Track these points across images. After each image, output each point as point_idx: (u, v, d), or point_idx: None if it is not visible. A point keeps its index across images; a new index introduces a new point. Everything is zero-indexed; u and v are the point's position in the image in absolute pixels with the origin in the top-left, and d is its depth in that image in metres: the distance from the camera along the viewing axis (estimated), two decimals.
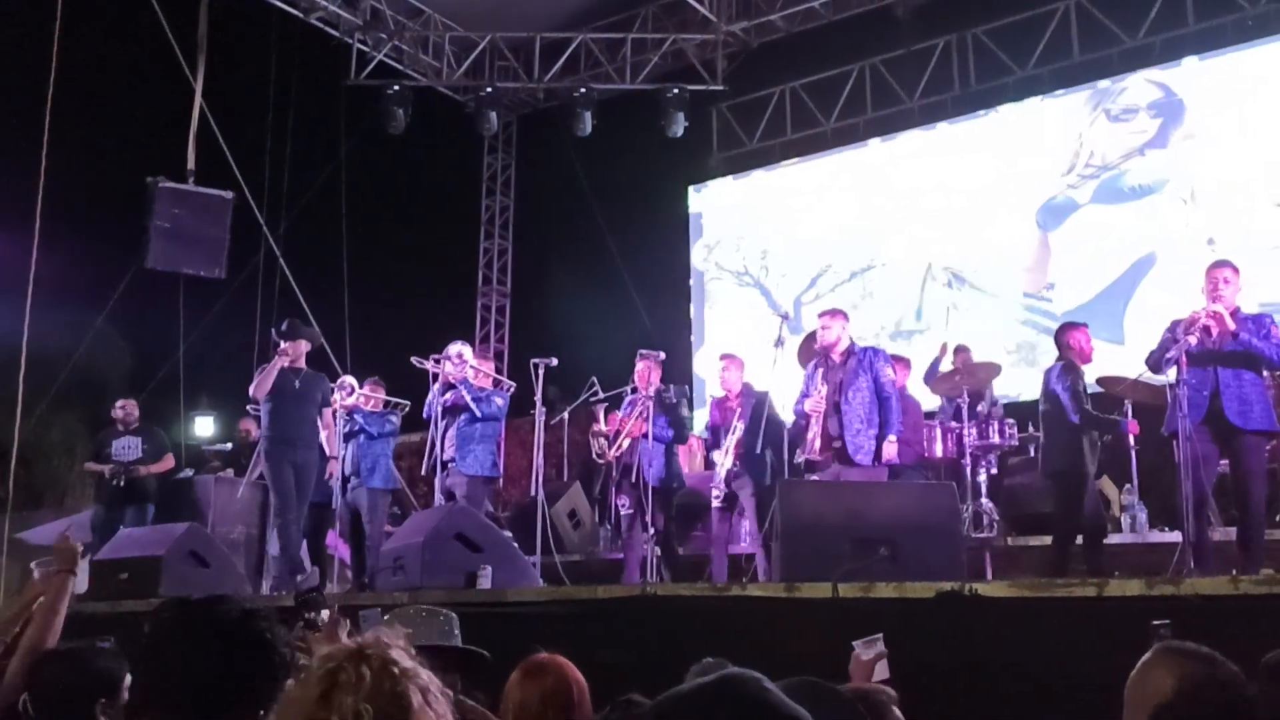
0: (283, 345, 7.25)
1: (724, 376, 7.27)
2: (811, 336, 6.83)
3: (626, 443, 7.24)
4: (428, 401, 7.27)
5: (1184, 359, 5.32)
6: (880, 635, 3.25)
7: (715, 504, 7.07)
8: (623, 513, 7.37)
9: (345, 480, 7.49)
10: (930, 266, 11.19)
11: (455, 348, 7.27)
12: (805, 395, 6.49)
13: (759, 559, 6.72)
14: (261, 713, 1.87)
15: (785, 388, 6.84)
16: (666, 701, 1.27)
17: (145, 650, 2.01)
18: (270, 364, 7.24)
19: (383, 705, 1.64)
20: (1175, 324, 5.49)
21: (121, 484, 8.41)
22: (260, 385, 7.15)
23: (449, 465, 7.09)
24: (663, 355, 7.33)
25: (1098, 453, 6.42)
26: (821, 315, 6.71)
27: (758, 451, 6.95)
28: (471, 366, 7.27)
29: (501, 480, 8.18)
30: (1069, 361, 6.44)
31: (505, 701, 2.86)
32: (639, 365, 7.21)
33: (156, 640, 2.00)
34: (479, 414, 7.03)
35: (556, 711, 2.77)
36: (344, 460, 7.54)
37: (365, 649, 1.70)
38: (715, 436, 7.22)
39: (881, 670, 3.20)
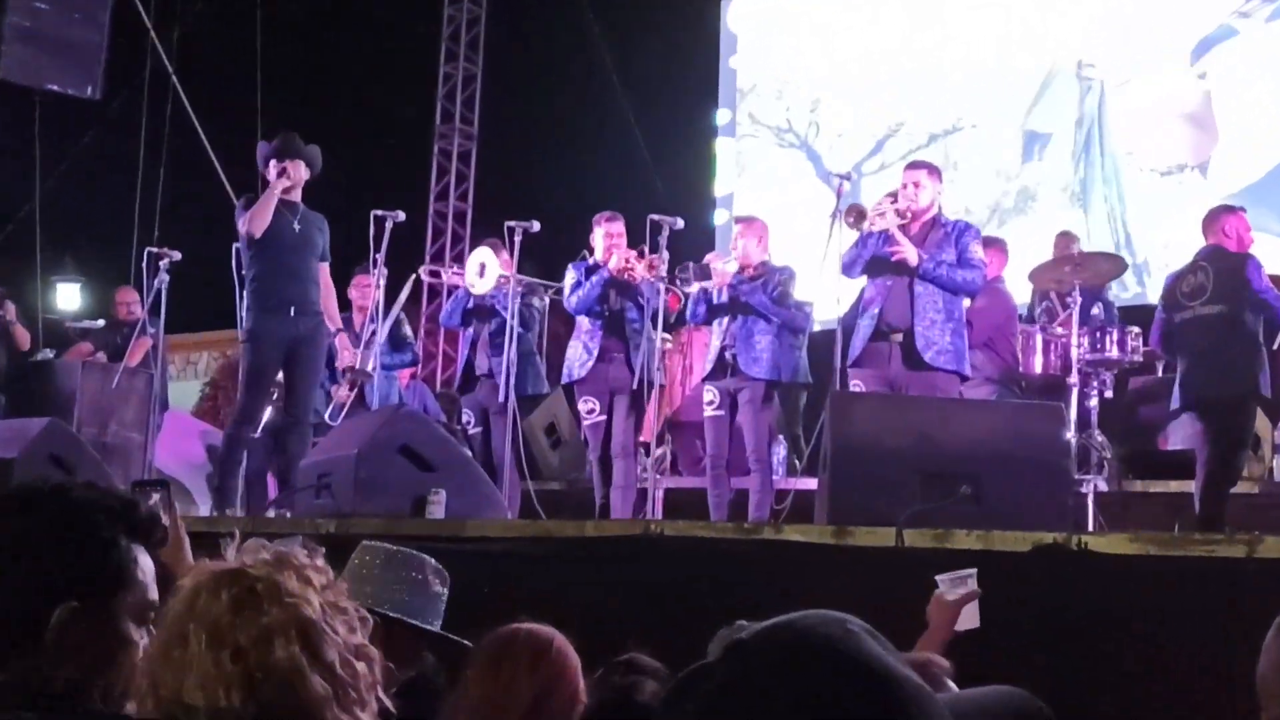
0: (278, 165, 6.93)
1: (739, 245, 7.39)
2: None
3: None
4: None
5: None
6: (973, 571, 3.23)
7: (709, 410, 7.21)
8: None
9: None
10: (1036, 128, 11.07)
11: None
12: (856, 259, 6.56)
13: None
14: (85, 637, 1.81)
15: (846, 291, 6.79)
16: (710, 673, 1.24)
17: None
18: (269, 190, 6.91)
19: (248, 646, 1.65)
20: None
21: None
22: (258, 216, 6.82)
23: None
24: (679, 222, 7.27)
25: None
26: (909, 168, 6.73)
27: (768, 334, 7.08)
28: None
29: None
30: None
31: (462, 696, 2.77)
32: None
33: None
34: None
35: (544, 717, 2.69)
36: None
37: (240, 569, 1.71)
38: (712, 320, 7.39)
39: (970, 616, 3.18)
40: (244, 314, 6.99)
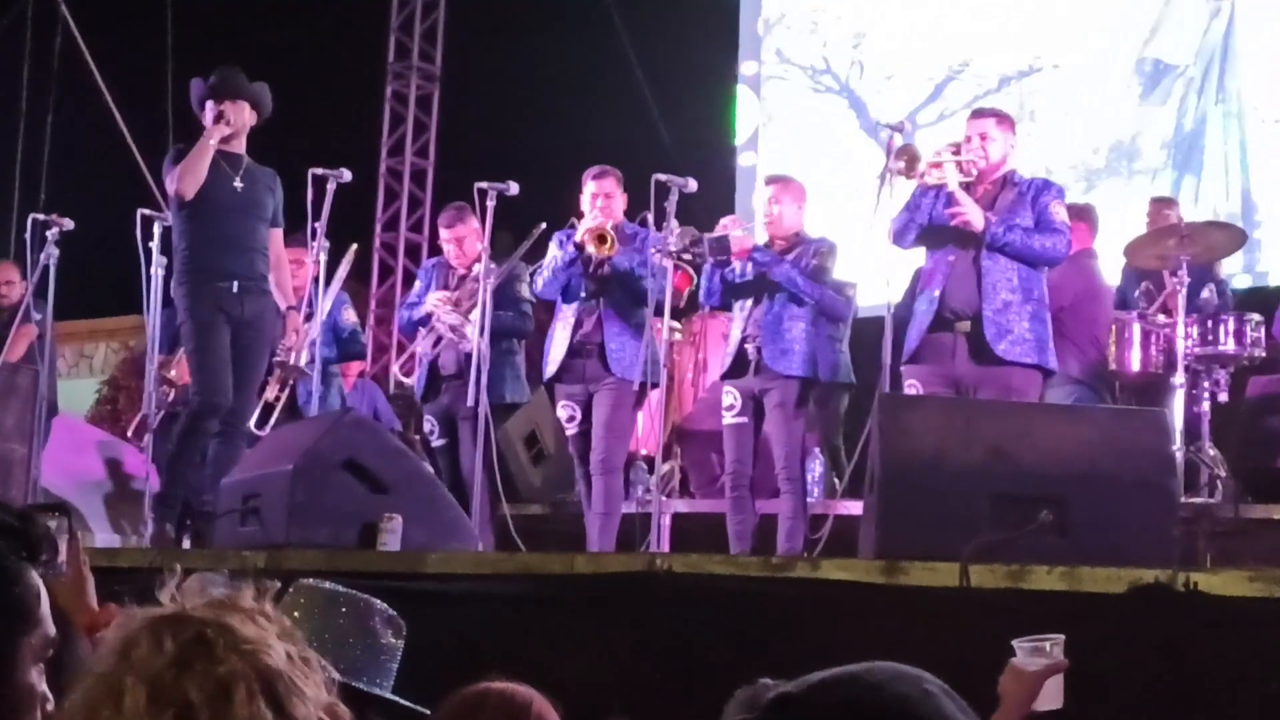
0: (215, 108, 6.92)
1: (773, 211, 7.39)
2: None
3: None
4: None
5: None
6: (1060, 638, 3.23)
7: (729, 416, 7.23)
8: None
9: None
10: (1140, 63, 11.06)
11: None
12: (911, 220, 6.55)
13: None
14: None
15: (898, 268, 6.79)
16: None
17: None
18: (202, 139, 6.88)
19: (200, 704, 1.65)
20: None
21: None
22: (190, 172, 6.82)
23: None
24: (691, 184, 7.25)
25: None
26: (974, 117, 6.77)
27: (802, 321, 7.06)
28: None
29: None
30: None
31: None
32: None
33: None
34: None
35: None
36: None
37: (181, 613, 1.72)
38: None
39: (1053, 694, 3.18)
40: (176, 292, 7.02)
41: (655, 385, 7.34)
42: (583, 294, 7.44)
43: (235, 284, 6.90)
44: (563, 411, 7.53)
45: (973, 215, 6.38)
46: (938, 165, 6.49)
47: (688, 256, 7.49)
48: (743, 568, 5.02)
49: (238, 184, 6.95)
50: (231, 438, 7.04)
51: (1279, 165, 10.49)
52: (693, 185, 7.18)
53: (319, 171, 7.38)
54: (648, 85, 12.55)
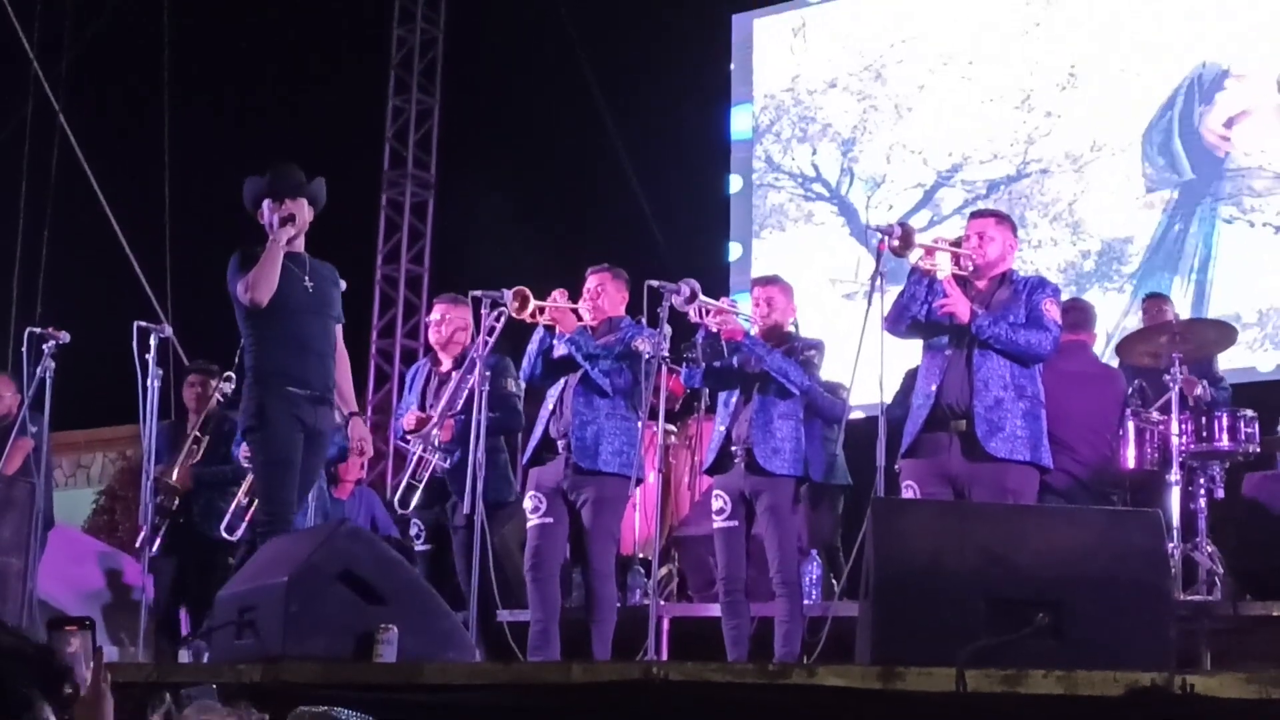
0: (276, 207, 6.65)
1: (762, 309, 7.39)
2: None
3: None
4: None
5: None
6: None
7: (719, 520, 7.19)
8: None
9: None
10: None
11: None
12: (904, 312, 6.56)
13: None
14: None
15: (888, 372, 6.80)
16: None
17: None
18: (272, 243, 6.58)
19: None
20: None
21: None
22: (265, 279, 6.52)
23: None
24: (685, 289, 7.25)
25: None
26: (975, 217, 6.79)
27: (792, 419, 7.09)
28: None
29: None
30: None
31: None
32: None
33: None
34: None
35: None
36: None
37: None
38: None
39: None
40: (248, 397, 6.76)
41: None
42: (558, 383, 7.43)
43: (310, 391, 6.65)
44: (528, 502, 7.44)
45: (958, 306, 6.39)
46: (931, 252, 6.52)
47: (685, 361, 7.50)
48: (739, 675, 4.97)
49: (308, 283, 6.70)
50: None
51: (1264, 264, 10.59)
52: (685, 291, 7.13)
53: None
54: (643, 192, 12.62)
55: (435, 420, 7.60)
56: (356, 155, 13.92)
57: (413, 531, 7.81)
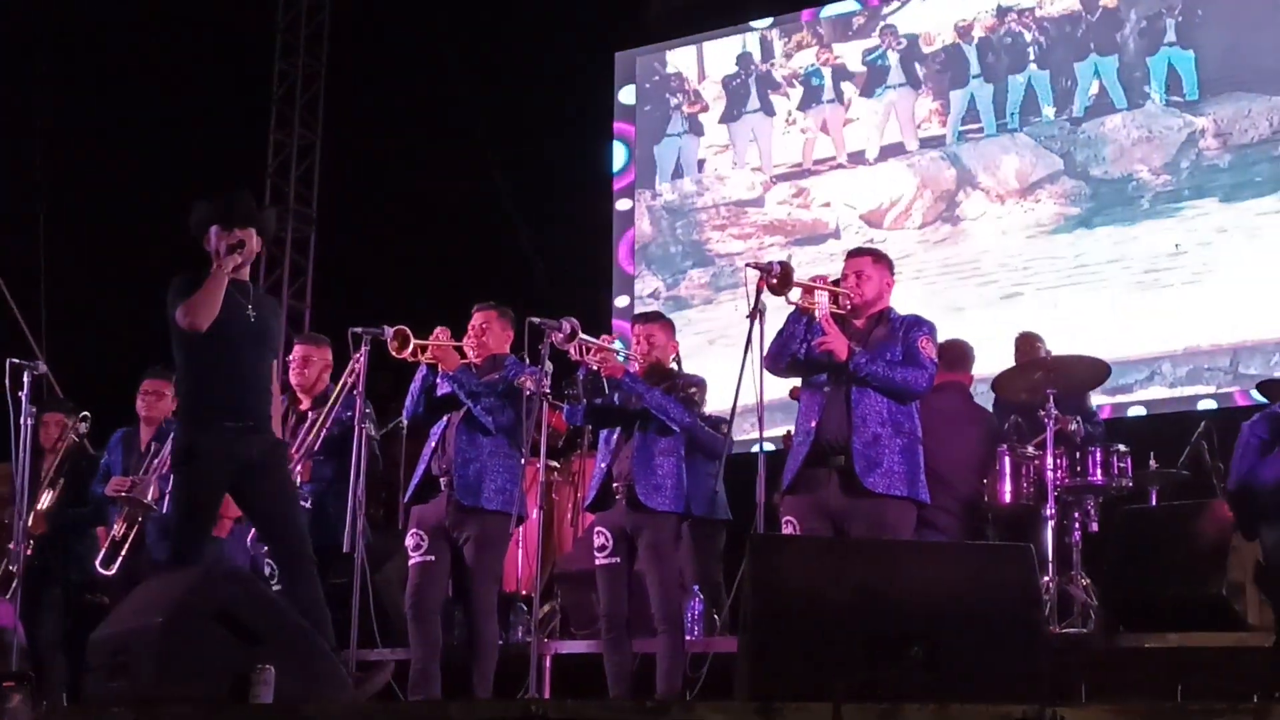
0: (225, 234, 6.46)
1: (640, 348, 7.44)
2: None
3: None
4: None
5: None
6: None
7: (600, 557, 7.20)
8: None
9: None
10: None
11: None
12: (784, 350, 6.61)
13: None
14: None
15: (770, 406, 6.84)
16: None
17: None
18: (217, 270, 6.40)
19: None
20: None
21: None
22: (205, 305, 6.31)
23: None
24: (567, 327, 7.26)
25: None
26: (851, 256, 6.85)
27: (673, 456, 7.11)
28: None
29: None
30: None
31: None
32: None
33: None
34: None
35: None
36: None
37: None
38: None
39: None
40: (177, 431, 6.64)
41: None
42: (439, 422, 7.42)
43: (243, 423, 6.43)
44: (410, 539, 7.37)
45: (836, 345, 6.44)
46: (809, 290, 6.57)
47: (566, 399, 7.51)
48: (618, 712, 4.99)
49: (250, 313, 6.51)
50: (297, 567, 6.49)
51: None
52: (566, 329, 7.13)
53: None
54: (525, 229, 12.65)
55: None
56: (238, 191, 13.79)
57: (266, 571, 7.60)
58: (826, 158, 12.20)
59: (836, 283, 6.71)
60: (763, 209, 12.35)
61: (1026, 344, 8.55)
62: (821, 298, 6.56)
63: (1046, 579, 7.36)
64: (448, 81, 12.85)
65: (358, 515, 7.15)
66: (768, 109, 12.49)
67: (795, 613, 5.03)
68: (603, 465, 7.28)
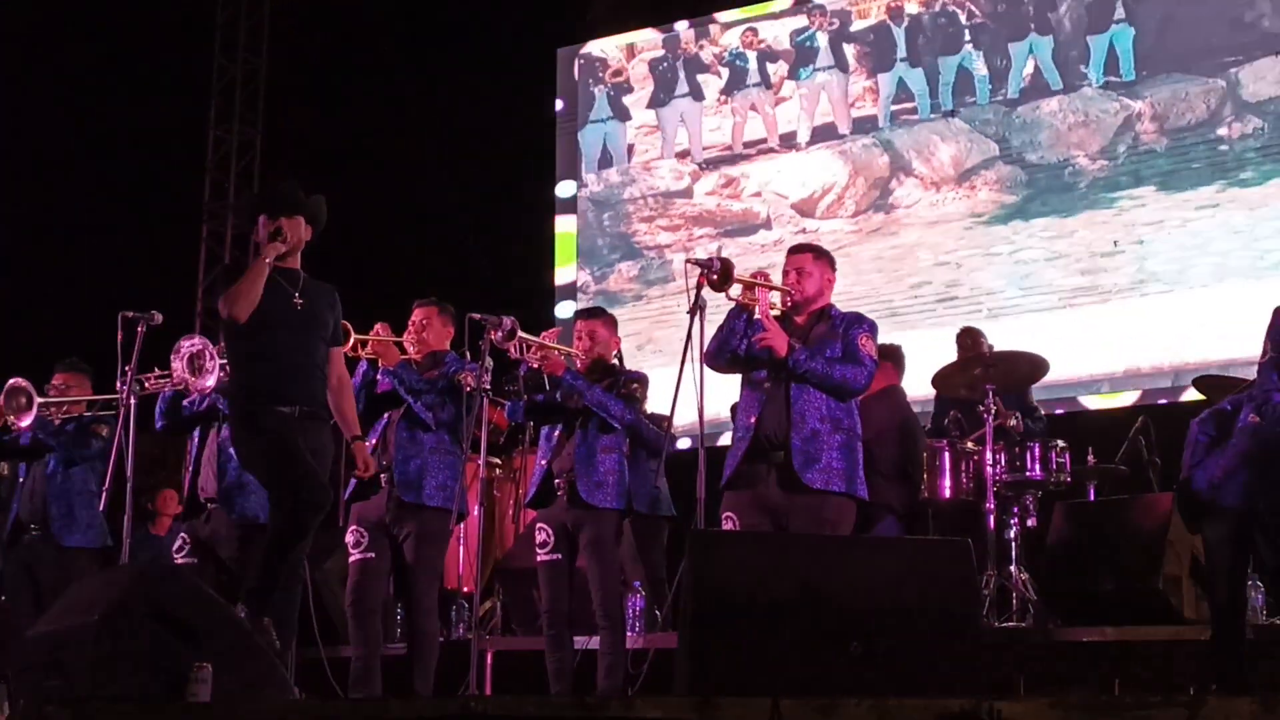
0: (268, 222, 6.38)
1: (582, 344, 7.41)
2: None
3: None
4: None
5: None
6: None
7: (542, 553, 7.19)
8: None
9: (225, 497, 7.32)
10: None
11: None
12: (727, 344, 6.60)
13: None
14: None
15: (715, 400, 6.84)
16: None
17: None
18: (257, 258, 6.33)
19: None
20: None
21: None
22: (244, 295, 6.23)
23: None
24: (508, 323, 7.23)
25: None
26: (792, 253, 6.83)
27: (615, 453, 7.12)
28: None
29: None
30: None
31: None
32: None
33: None
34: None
35: None
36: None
37: None
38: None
39: None
40: (232, 419, 6.58)
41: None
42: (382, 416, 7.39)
43: (296, 409, 6.32)
44: (350, 536, 7.32)
45: (776, 341, 6.42)
46: (750, 286, 6.56)
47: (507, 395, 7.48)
48: (557, 709, 4.97)
49: (298, 300, 6.40)
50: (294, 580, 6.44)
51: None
52: (507, 325, 7.08)
53: (130, 314, 7.19)
54: (469, 224, 12.64)
55: None
56: (178, 187, 13.74)
57: (175, 545, 7.53)
58: (757, 139, 12.24)
59: (776, 279, 6.72)
60: (691, 200, 12.39)
61: (969, 339, 8.60)
62: (761, 294, 6.56)
63: (986, 574, 7.40)
64: (388, 77, 12.81)
65: None
66: (696, 93, 12.54)
67: (734, 608, 5.02)
68: (544, 462, 7.25)
